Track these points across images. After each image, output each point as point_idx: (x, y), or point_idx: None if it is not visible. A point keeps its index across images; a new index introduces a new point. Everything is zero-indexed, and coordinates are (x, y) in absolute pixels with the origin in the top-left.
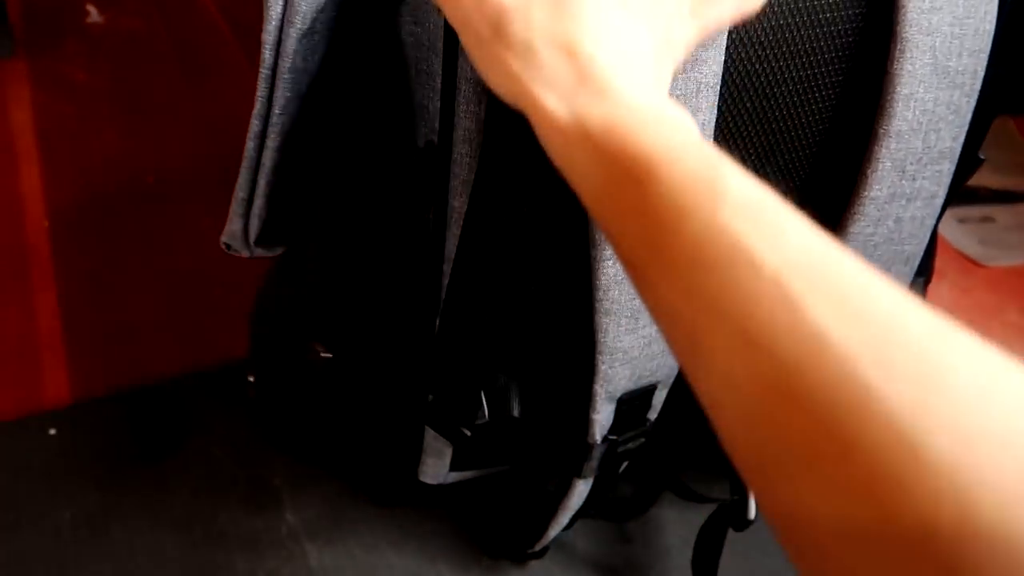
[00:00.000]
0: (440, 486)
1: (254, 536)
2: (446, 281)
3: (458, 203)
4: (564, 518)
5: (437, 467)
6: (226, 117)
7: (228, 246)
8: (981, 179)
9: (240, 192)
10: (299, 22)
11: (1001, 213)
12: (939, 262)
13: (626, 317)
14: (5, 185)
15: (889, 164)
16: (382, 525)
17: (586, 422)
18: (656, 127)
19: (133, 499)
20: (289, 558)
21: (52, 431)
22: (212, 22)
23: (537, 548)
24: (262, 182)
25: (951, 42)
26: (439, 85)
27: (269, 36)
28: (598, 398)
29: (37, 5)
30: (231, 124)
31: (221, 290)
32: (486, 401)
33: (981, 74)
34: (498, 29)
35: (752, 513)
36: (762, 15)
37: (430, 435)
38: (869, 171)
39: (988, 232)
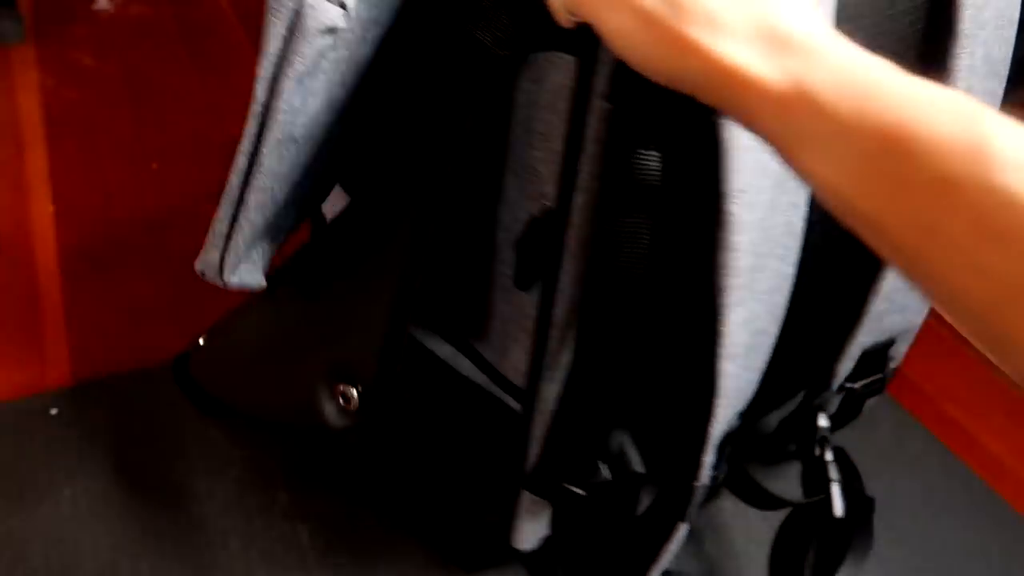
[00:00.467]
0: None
1: (248, 514)
2: (552, 346)
3: (572, 268)
4: (665, 562)
5: (533, 531)
6: (232, 102)
7: (202, 273)
8: None
9: (219, 225)
10: (298, 62)
11: None
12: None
13: (742, 358)
14: (11, 170)
15: None
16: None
17: (696, 466)
18: (890, 86)
19: (131, 477)
20: (281, 537)
21: (53, 411)
22: (218, 8)
23: None
24: (243, 222)
25: (996, 33)
26: (559, 147)
27: (264, 72)
28: (711, 441)
29: None
30: (237, 109)
31: None
32: (606, 459)
33: (1010, 60)
34: (675, 3)
35: (840, 510)
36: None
37: (527, 499)
38: None
39: None
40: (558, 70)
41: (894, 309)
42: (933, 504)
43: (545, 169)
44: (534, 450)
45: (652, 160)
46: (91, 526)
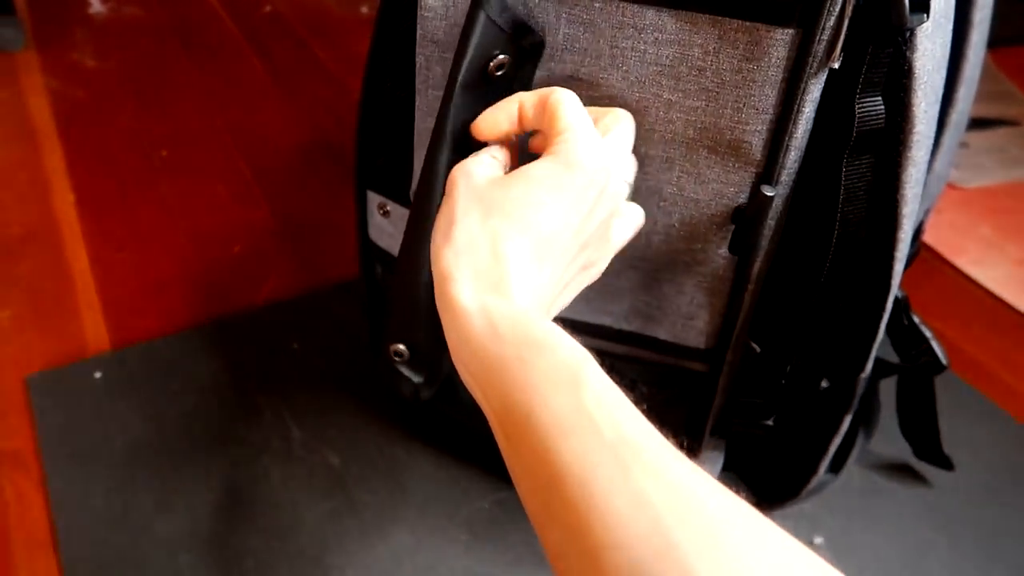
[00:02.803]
0: None
1: (279, 448)
2: (745, 301)
3: (772, 227)
4: (832, 451)
5: (712, 471)
6: (230, 89)
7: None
8: None
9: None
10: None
11: (975, 138)
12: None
13: (903, 256)
14: (31, 166)
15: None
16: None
17: (866, 358)
18: (541, 323)
19: (173, 428)
20: (316, 466)
21: (97, 375)
22: (209, 5)
23: (812, 484)
24: None
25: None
26: (772, 116)
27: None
28: (881, 332)
29: None
30: (235, 96)
31: (239, 246)
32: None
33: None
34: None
35: (945, 360)
36: None
37: (708, 444)
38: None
39: (963, 157)
40: (779, 46)
41: (939, 179)
42: None
43: (756, 140)
44: (718, 401)
45: (876, 104)
46: (143, 471)
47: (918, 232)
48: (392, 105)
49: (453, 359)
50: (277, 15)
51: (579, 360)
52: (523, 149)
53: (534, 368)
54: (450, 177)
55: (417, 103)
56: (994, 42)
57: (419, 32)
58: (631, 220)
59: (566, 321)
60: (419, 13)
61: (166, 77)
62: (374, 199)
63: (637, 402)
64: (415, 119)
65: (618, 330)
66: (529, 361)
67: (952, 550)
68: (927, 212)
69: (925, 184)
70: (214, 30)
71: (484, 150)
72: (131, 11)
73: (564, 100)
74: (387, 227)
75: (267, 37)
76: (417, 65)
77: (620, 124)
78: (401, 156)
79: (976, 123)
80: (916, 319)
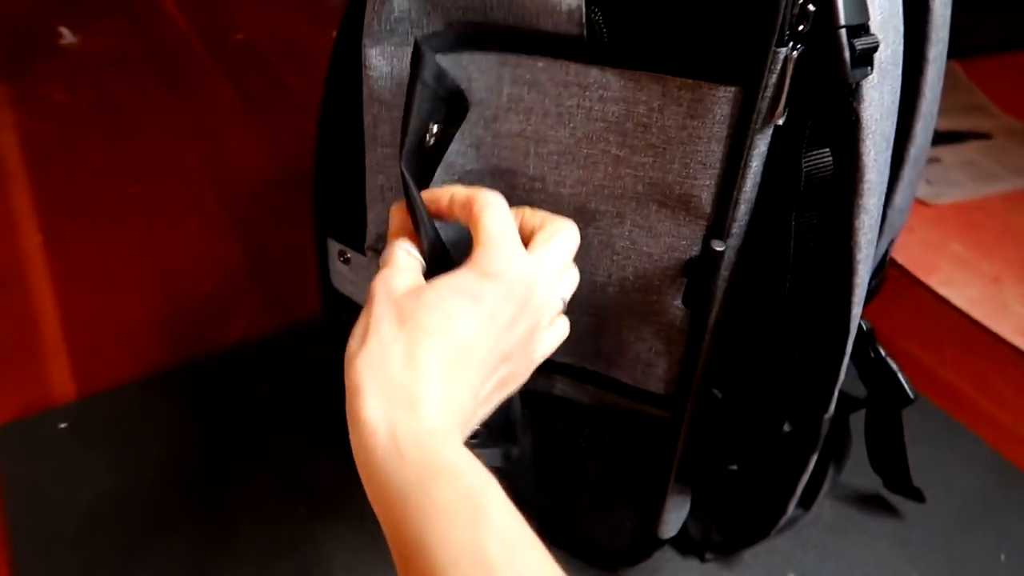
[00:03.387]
0: None
1: (246, 498)
2: (703, 348)
3: (725, 277)
4: (799, 491)
5: (678, 520)
6: (203, 120)
7: None
8: None
9: None
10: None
11: (946, 153)
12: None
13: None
14: None
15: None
16: None
17: (829, 399)
18: (448, 447)
19: (139, 479)
20: (277, 514)
21: (62, 425)
22: (181, 34)
23: (782, 523)
24: None
25: (944, 12)
26: (719, 171)
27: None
28: (842, 374)
29: (10, 30)
30: (209, 127)
31: (208, 285)
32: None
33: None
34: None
35: (911, 393)
36: None
37: (674, 489)
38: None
39: (934, 172)
40: (722, 103)
41: (899, 213)
42: None
43: (705, 194)
44: (680, 447)
45: (823, 156)
46: (109, 526)
47: (881, 265)
48: (344, 157)
49: (360, 475)
50: (250, 43)
51: (481, 489)
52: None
53: (434, 498)
54: (371, 287)
55: (367, 160)
56: (966, 52)
57: (365, 91)
58: (557, 333)
59: None
60: (364, 73)
61: (138, 108)
62: (334, 246)
63: (600, 449)
64: (366, 175)
65: (582, 368)
66: (430, 490)
67: None
68: (891, 243)
69: (885, 219)
70: (186, 59)
71: (398, 245)
72: (102, 42)
73: (489, 206)
74: (349, 274)
75: (240, 65)
76: (365, 124)
77: (557, 238)
78: (355, 208)
79: (947, 137)
80: (883, 352)
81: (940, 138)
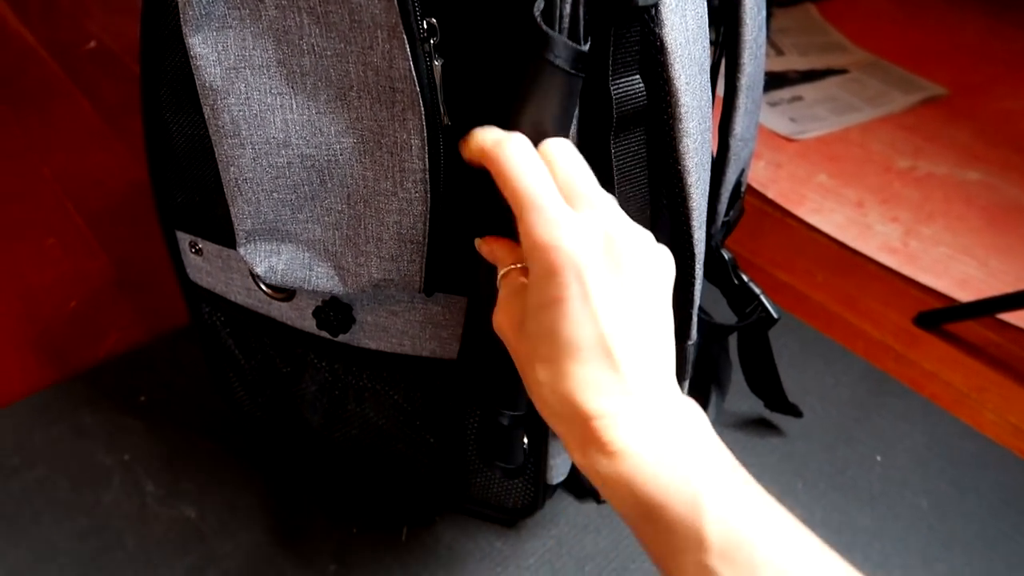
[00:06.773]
0: None
1: (131, 509)
2: None
3: None
4: None
5: (564, 465)
6: (55, 136)
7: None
8: (789, 64)
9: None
10: None
11: (808, 91)
12: (755, 145)
13: (701, 223)
14: None
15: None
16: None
17: (689, 326)
18: (656, 474)
19: (14, 507)
20: (166, 519)
21: None
22: (27, 47)
23: None
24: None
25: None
26: None
27: None
28: (696, 301)
29: None
30: (61, 143)
31: (75, 301)
32: None
33: None
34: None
35: (776, 313)
36: None
37: (553, 434)
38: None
39: (797, 110)
40: None
41: (743, 142)
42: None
43: None
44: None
45: (633, 83)
46: None
47: (736, 195)
48: (181, 143)
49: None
50: (103, 50)
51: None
52: None
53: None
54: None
55: (217, 154)
56: None
57: (198, 82)
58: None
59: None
60: (192, 64)
61: None
62: (184, 238)
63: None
64: (219, 170)
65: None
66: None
67: (808, 491)
68: (742, 172)
69: (728, 148)
70: (34, 71)
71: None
72: None
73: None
74: (204, 265)
75: (94, 74)
76: (206, 115)
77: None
78: (204, 195)
79: (807, 76)
80: (745, 277)
81: (801, 77)
